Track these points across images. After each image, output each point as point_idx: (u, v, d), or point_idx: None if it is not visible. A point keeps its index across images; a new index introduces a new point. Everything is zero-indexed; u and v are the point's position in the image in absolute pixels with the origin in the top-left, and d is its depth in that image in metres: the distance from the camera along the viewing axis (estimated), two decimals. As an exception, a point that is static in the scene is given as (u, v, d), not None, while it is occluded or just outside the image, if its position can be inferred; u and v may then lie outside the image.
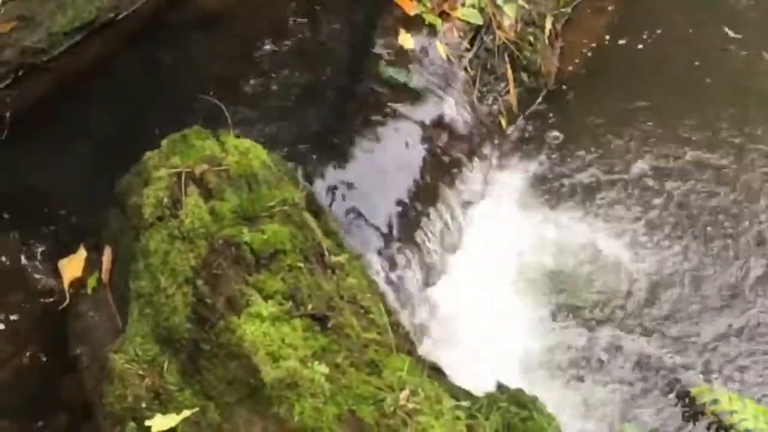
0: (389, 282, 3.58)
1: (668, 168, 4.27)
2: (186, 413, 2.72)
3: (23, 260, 3.46)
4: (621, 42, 4.69)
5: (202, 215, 3.00)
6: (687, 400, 3.17)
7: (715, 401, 3.06)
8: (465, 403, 2.86)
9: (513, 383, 2.98)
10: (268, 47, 4.14)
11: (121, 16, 4.04)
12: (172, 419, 2.71)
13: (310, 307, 2.86)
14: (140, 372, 2.84)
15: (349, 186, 3.69)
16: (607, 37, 4.69)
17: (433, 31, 4.10)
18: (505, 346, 3.61)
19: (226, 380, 2.75)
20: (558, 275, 3.89)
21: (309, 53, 4.16)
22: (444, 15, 4.13)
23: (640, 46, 4.68)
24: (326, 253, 3.06)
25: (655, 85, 4.55)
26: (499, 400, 2.96)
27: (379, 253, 3.62)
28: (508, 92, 4.25)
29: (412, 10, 4.06)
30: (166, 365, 2.84)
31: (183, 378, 2.81)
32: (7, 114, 3.75)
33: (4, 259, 3.48)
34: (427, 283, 3.70)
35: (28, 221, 3.58)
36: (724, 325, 3.76)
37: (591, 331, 3.74)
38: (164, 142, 3.22)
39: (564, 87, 4.50)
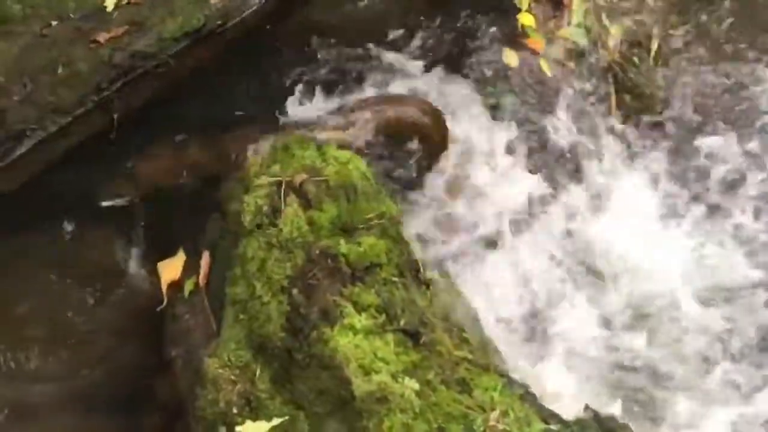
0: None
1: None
2: (276, 421, 2.72)
3: (124, 260, 3.53)
4: (727, 68, 4.58)
5: (300, 225, 3.02)
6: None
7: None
8: (554, 427, 2.83)
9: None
10: (370, 59, 4.16)
11: (228, 24, 4.10)
12: (262, 426, 2.71)
13: (403, 322, 2.86)
14: (233, 377, 2.87)
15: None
16: (715, 61, 4.59)
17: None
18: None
19: (317, 390, 2.76)
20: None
21: (412, 64, 4.17)
22: (549, 34, 4.10)
23: (747, 72, 4.58)
24: (421, 269, 3.06)
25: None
26: (589, 426, 2.92)
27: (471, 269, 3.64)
28: (610, 113, 4.20)
29: (540, 48, 4.04)
30: (258, 372, 2.86)
31: (274, 386, 2.83)
32: (116, 116, 3.83)
33: (106, 257, 3.56)
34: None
35: (131, 221, 3.65)
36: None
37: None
38: (265, 150, 3.26)
39: (666, 111, 4.41)
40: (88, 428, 3.21)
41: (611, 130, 4.14)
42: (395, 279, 2.95)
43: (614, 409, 3.29)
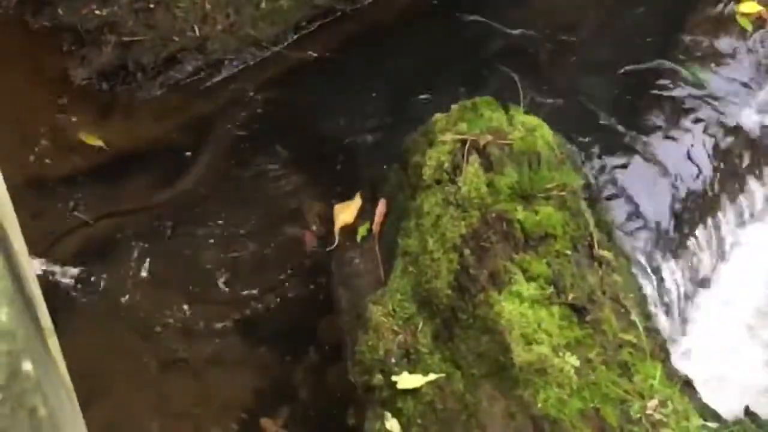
0: (649, 284, 3.51)
1: None
2: (432, 377, 2.75)
3: (301, 198, 3.59)
4: None
5: (479, 186, 3.00)
6: None
7: None
8: (712, 425, 2.76)
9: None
10: (569, 29, 4.09)
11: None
12: (419, 380, 2.75)
13: (571, 296, 2.83)
14: (395, 327, 2.89)
15: (624, 182, 3.64)
16: None
17: (744, 35, 3.93)
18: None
19: (476, 353, 2.76)
20: None
21: (607, 42, 4.08)
22: (759, 20, 3.95)
23: None
24: (595, 245, 3.01)
25: None
26: (748, 429, 2.85)
27: (645, 253, 3.55)
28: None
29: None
30: (420, 326, 2.87)
31: (435, 342, 2.84)
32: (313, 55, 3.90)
33: (284, 193, 3.62)
34: (688, 295, 3.60)
35: (313, 162, 3.71)
36: None
37: None
38: (454, 108, 3.24)
39: None
40: (251, 353, 3.30)
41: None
42: (568, 252, 2.91)
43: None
